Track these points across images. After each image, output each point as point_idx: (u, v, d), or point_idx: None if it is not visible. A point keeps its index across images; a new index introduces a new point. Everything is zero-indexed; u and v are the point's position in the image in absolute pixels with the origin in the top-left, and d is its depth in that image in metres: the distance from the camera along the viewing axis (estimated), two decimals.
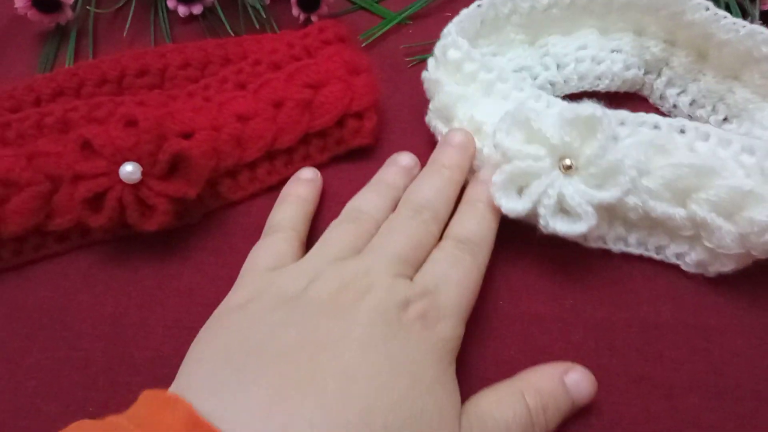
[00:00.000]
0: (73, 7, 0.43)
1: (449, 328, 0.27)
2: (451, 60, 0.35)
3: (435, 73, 0.36)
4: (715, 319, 0.31)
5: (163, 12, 0.43)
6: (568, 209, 0.30)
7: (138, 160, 0.31)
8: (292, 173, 0.36)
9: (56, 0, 0.42)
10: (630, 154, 0.31)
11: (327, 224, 0.35)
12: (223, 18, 0.42)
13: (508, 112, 0.31)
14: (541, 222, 0.31)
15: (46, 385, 0.30)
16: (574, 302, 0.32)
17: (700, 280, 0.32)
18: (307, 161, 0.37)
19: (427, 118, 0.37)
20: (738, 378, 0.29)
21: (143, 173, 0.31)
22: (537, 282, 0.33)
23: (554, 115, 0.31)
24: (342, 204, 0.35)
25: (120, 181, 0.31)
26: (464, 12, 0.37)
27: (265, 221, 0.34)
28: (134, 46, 0.43)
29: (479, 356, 0.31)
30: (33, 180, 0.31)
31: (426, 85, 0.37)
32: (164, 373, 0.30)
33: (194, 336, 0.31)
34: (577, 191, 0.30)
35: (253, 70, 0.37)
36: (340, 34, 0.38)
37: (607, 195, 0.30)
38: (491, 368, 0.30)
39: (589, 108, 0.30)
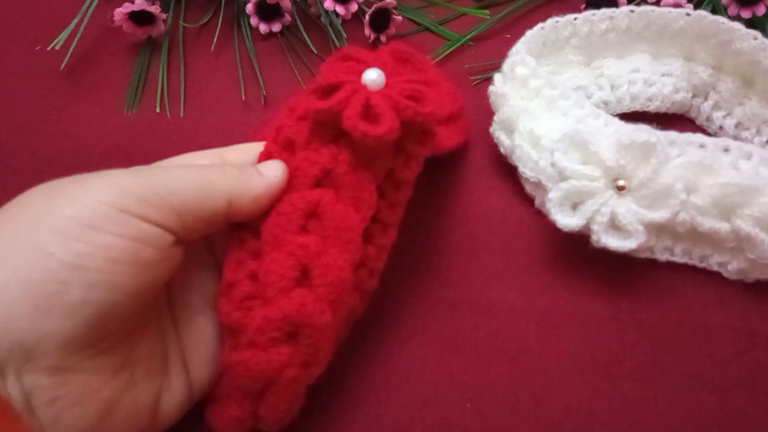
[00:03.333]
0: (165, 21, 0.47)
1: None
2: (519, 76, 0.38)
3: (501, 88, 0.40)
4: (759, 323, 0.34)
5: (245, 28, 0.47)
6: (620, 226, 0.33)
7: None
8: None
9: (150, 14, 0.46)
10: (680, 173, 0.34)
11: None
12: (305, 35, 0.46)
13: (567, 134, 0.34)
14: (594, 237, 0.33)
15: None
16: (628, 304, 0.35)
17: (746, 289, 0.35)
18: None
19: (491, 130, 0.41)
20: None
21: None
22: (594, 284, 0.36)
23: (610, 138, 0.34)
24: (411, 208, 0.39)
25: None
26: (529, 33, 0.40)
27: None
28: (220, 59, 0.47)
29: (541, 351, 0.34)
30: None
31: (492, 99, 0.41)
32: None
33: None
34: (629, 211, 0.33)
35: None
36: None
37: (658, 215, 0.33)
38: (553, 361, 0.33)
39: (645, 134, 0.33)
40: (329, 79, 0.29)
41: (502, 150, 0.40)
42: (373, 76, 0.29)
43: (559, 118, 0.38)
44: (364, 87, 0.29)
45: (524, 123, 0.38)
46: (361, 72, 0.30)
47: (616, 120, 0.36)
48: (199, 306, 0.30)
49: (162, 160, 0.30)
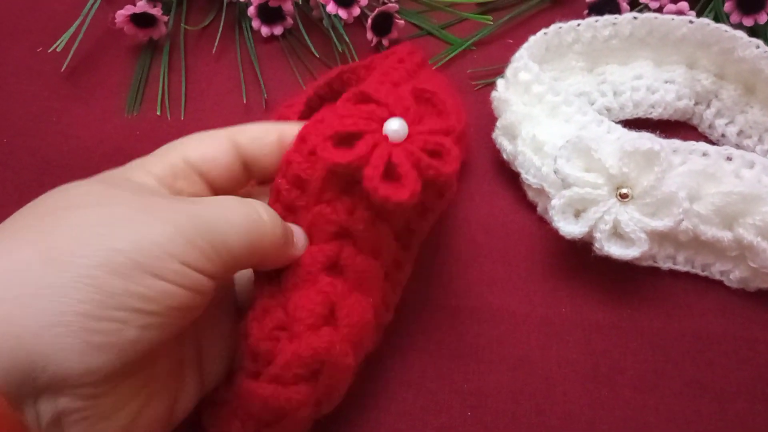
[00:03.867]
0: (166, 23, 0.47)
1: None
2: (521, 81, 0.38)
3: (504, 93, 0.40)
4: (760, 332, 0.34)
5: (247, 31, 0.47)
6: (623, 234, 0.33)
7: None
8: None
9: (152, 16, 0.46)
10: (683, 182, 0.34)
11: None
12: (307, 39, 0.46)
13: (570, 141, 0.34)
14: (596, 245, 0.33)
15: None
16: (630, 312, 0.35)
17: (747, 297, 0.35)
18: None
19: (493, 135, 0.40)
20: None
21: None
22: (596, 292, 0.36)
23: (613, 145, 0.34)
24: None
25: None
26: (532, 38, 0.40)
27: None
28: (221, 62, 0.47)
29: (542, 358, 0.33)
30: None
31: (494, 104, 0.40)
32: None
33: None
34: (632, 219, 0.33)
35: None
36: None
37: (661, 224, 0.33)
38: (555, 369, 0.33)
39: (648, 142, 0.33)
40: (348, 126, 0.27)
41: (504, 156, 0.40)
42: (395, 127, 0.28)
43: (561, 124, 0.38)
44: (386, 138, 0.27)
45: (527, 129, 0.38)
46: (382, 119, 0.28)
47: (619, 127, 0.36)
48: (217, 300, 0.30)
49: (175, 141, 0.31)
